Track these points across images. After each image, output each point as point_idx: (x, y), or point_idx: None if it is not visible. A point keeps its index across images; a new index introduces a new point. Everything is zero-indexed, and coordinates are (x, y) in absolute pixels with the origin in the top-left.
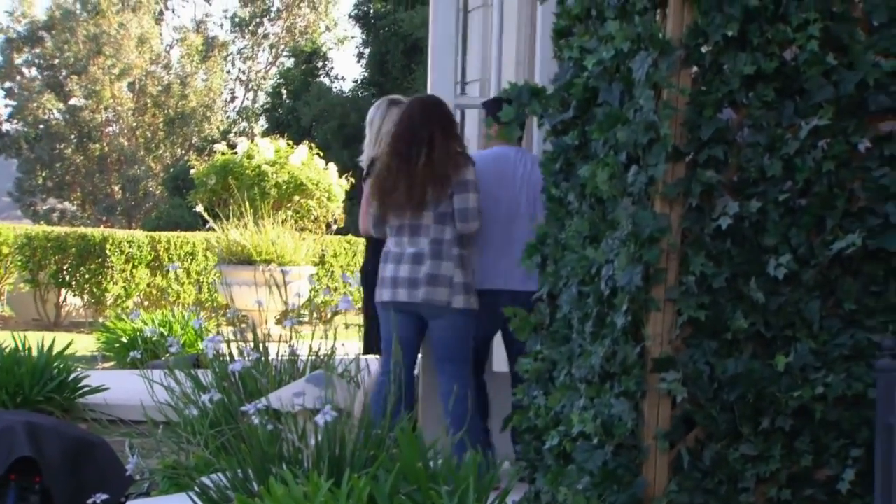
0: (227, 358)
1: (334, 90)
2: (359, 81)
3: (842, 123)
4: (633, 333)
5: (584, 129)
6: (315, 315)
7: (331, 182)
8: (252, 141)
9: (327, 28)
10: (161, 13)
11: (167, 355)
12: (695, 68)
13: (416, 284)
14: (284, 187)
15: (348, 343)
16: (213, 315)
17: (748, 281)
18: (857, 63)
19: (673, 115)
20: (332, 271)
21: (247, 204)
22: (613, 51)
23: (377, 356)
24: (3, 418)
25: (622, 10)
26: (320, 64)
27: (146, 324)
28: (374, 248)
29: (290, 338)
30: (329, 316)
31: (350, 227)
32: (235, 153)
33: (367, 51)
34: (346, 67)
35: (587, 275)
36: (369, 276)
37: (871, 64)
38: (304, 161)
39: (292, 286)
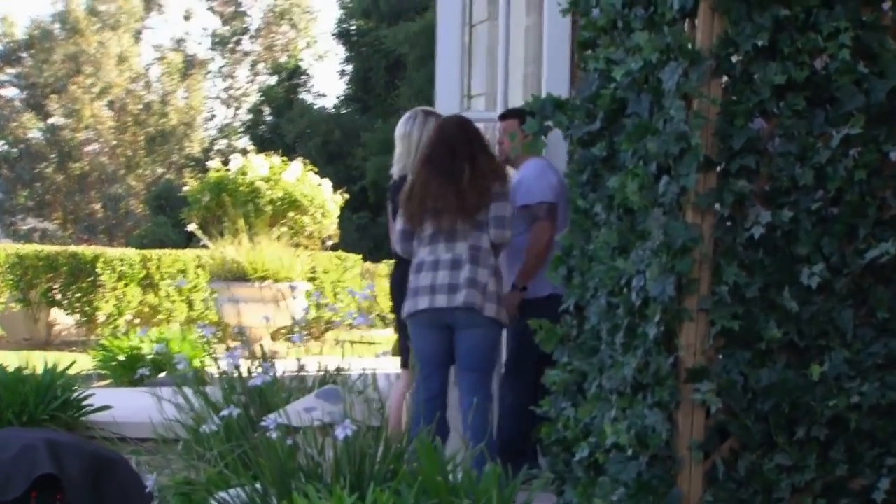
0: (235, 374)
1: (317, 107)
2: (342, 98)
3: (873, 132)
4: (665, 344)
5: (611, 140)
6: (309, 331)
7: (325, 198)
8: (246, 157)
9: (308, 45)
10: (140, 32)
11: (166, 373)
12: (725, 78)
13: (456, 289)
14: (279, 204)
15: (355, 358)
16: (214, 331)
17: (781, 290)
18: (888, 71)
19: (704, 125)
20: (323, 288)
21: (241, 220)
22: (642, 61)
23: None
24: (24, 436)
25: (650, 21)
26: (302, 81)
27: (142, 341)
28: (403, 261)
29: (286, 352)
30: (321, 332)
31: (342, 244)
32: (229, 170)
33: (349, 67)
34: (328, 84)
35: (616, 286)
36: (396, 290)
37: None
38: (299, 177)
39: (290, 302)
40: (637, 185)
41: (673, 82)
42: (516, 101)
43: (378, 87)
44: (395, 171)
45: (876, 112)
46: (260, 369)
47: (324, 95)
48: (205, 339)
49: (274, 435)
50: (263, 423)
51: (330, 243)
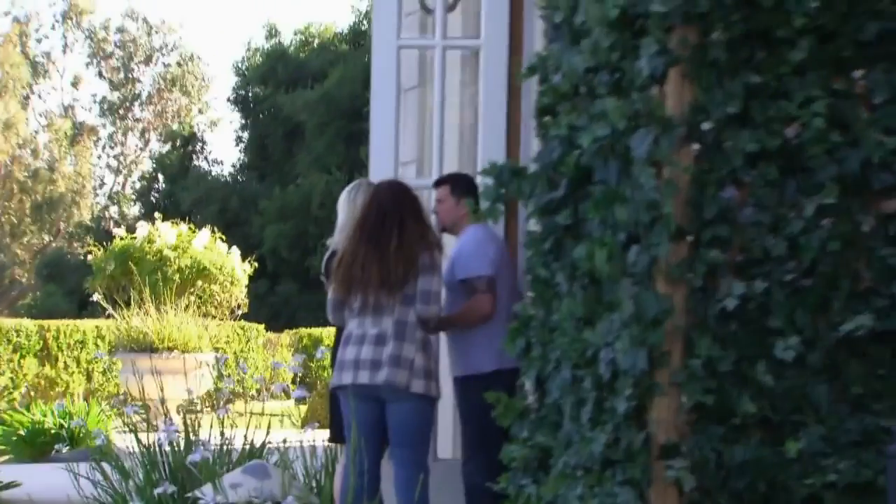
0: (146, 448)
1: (213, 174)
2: (238, 165)
3: (846, 202)
4: (636, 419)
5: (576, 208)
6: (211, 403)
7: (234, 266)
8: (153, 225)
9: (200, 111)
10: (27, 97)
11: (69, 447)
12: (696, 146)
13: (379, 365)
14: (187, 272)
15: (278, 430)
16: (136, 409)
17: (755, 364)
18: (861, 140)
19: (675, 193)
20: (226, 358)
21: (148, 290)
22: (609, 128)
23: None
24: None
25: (616, 87)
26: (197, 147)
27: (45, 415)
28: (339, 333)
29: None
30: (223, 403)
31: (251, 314)
32: (135, 238)
33: (245, 134)
34: (223, 151)
35: (581, 358)
36: (336, 360)
37: (874, 142)
38: (207, 245)
39: (197, 373)
40: (606, 255)
41: (643, 149)
42: (451, 168)
43: (276, 154)
44: (336, 241)
45: (849, 182)
46: (183, 444)
47: (220, 163)
48: (108, 414)
49: None
50: (201, 499)
51: (239, 312)
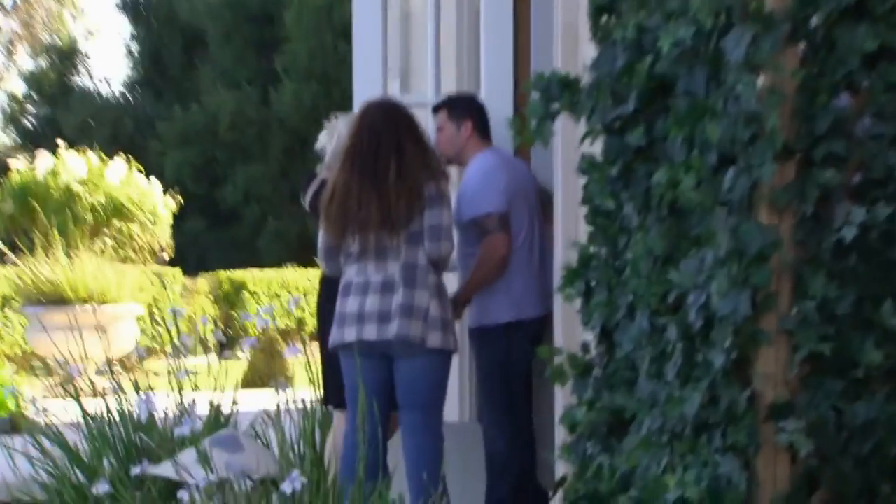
0: (92, 419)
1: (101, 94)
2: (129, 83)
3: None
4: (736, 374)
5: (651, 126)
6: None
7: (155, 202)
8: (56, 155)
9: (74, 18)
10: None
11: None
12: (803, 45)
13: (388, 318)
14: (101, 211)
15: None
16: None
17: (879, 305)
18: None
19: (780, 103)
20: (183, 312)
21: (55, 232)
22: (694, 27)
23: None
24: None
25: None
26: (78, 62)
27: None
28: (329, 281)
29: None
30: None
31: (177, 259)
32: (34, 170)
33: (136, 46)
34: (109, 66)
35: (662, 303)
36: (324, 314)
37: None
38: (124, 179)
39: (119, 328)
40: (693, 180)
41: (739, 52)
42: (448, 84)
43: (174, 68)
44: (324, 175)
45: None
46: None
47: (107, 81)
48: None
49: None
50: (153, 473)
51: (164, 256)
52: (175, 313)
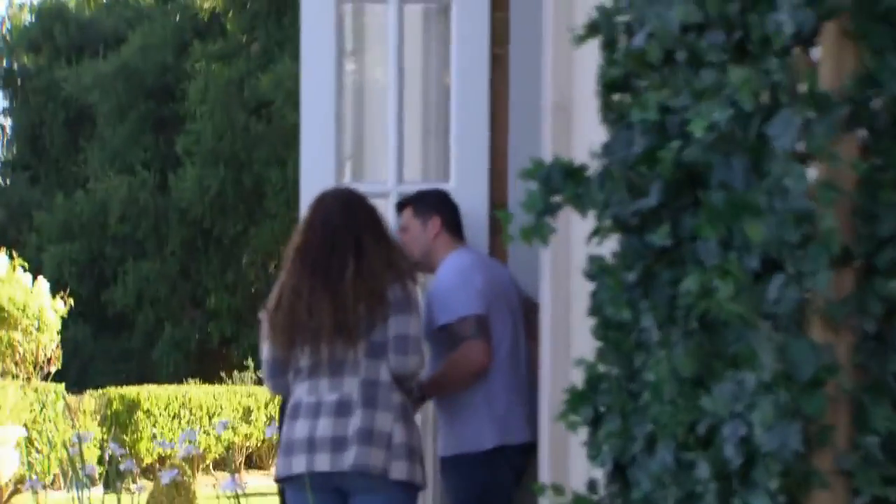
0: None
1: None
2: (1, 165)
3: None
4: None
5: (676, 224)
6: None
7: (43, 305)
8: None
9: None
10: None
11: None
12: (864, 132)
13: (343, 445)
14: None
15: None
16: None
17: None
18: None
19: (837, 200)
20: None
21: None
22: (732, 109)
23: None
24: None
25: (739, 51)
26: None
27: None
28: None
29: None
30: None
31: (69, 374)
32: None
33: (10, 122)
34: None
35: (691, 435)
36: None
37: None
38: (3, 276)
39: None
40: (731, 288)
41: (787, 139)
42: (412, 171)
43: (55, 148)
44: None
45: None
46: None
47: None
48: None
49: None
50: None
51: (51, 369)
52: (80, 439)
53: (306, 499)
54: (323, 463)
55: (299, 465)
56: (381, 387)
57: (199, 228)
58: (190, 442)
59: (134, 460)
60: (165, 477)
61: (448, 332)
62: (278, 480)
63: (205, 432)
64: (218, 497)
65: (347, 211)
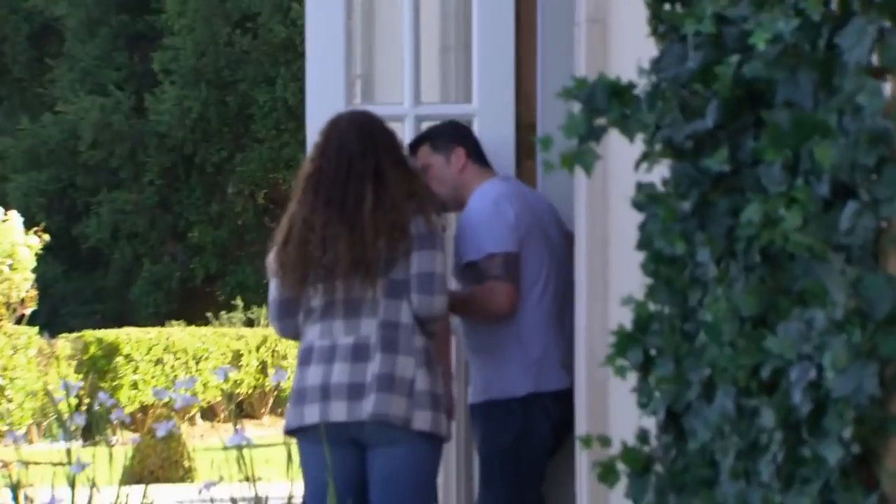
0: None
1: None
2: None
3: None
4: (859, 473)
5: (735, 147)
6: None
7: (15, 241)
8: None
9: None
10: None
11: None
12: None
13: (361, 392)
14: None
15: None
16: None
17: None
18: None
19: None
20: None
21: None
22: (799, 19)
23: None
24: None
25: None
26: None
27: None
28: None
29: None
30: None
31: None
32: None
33: None
34: None
35: (753, 379)
36: None
37: None
38: None
39: None
40: (798, 218)
41: (860, 51)
42: (430, 93)
43: (17, 67)
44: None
45: None
46: None
47: None
48: None
49: None
50: None
51: (25, 311)
52: (68, 388)
53: (320, 452)
54: (339, 412)
55: (312, 414)
56: (401, 329)
57: (180, 155)
58: (187, 391)
59: (123, 410)
60: (161, 429)
61: (474, 270)
62: (288, 432)
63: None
64: (204, 450)
65: (365, 136)
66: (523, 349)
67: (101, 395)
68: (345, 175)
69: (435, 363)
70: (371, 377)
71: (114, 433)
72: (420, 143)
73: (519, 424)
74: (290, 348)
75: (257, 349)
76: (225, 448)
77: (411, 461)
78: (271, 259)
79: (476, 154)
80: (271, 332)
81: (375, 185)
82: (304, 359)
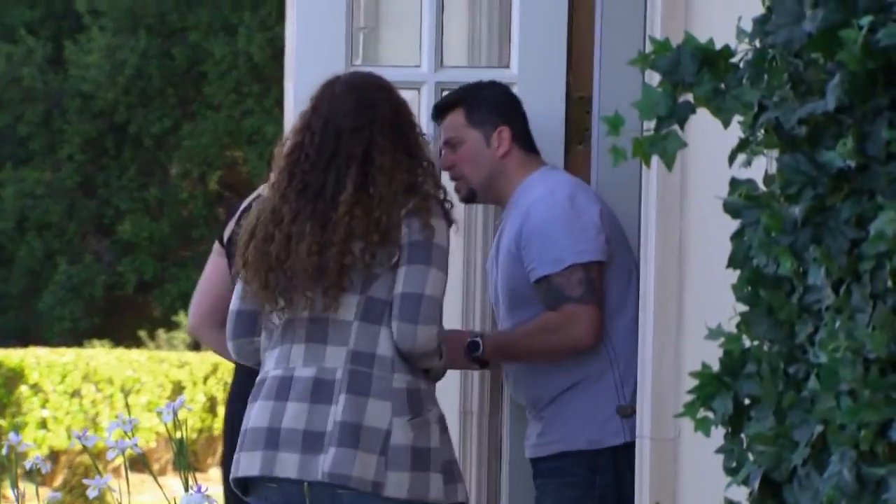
0: None
1: None
2: None
3: None
4: None
5: (864, 137)
6: None
7: None
8: None
9: None
10: None
11: None
12: None
13: (318, 444)
14: None
15: None
16: None
17: None
18: None
19: None
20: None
21: None
22: None
23: None
24: None
25: None
26: None
27: None
28: (246, 372)
29: None
30: None
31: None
32: None
33: None
34: None
35: (880, 443)
36: (235, 420)
37: None
38: None
39: None
40: None
41: None
42: (455, 56)
43: None
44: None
45: None
46: None
47: None
48: None
49: None
50: None
51: None
52: None
53: None
54: (288, 466)
55: (252, 465)
56: (377, 363)
57: (109, 122)
58: (125, 434)
59: (41, 458)
60: (93, 489)
61: (545, 289)
62: (234, 481)
63: (115, 416)
64: None
65: (362, 107)
66: (613, 382)
67: (13, 437)
68: (328, 156)
69: (424, 408)
70: (332, 425)
71: (15, 485)
72: (451, 108)
73: (609, 483)
74: None
75: (205, 381)
76: None
77: None
78: (236, 261)
79: (524, 135)
80: (222, 358)
81: (360, 171)
82: (255, 392)
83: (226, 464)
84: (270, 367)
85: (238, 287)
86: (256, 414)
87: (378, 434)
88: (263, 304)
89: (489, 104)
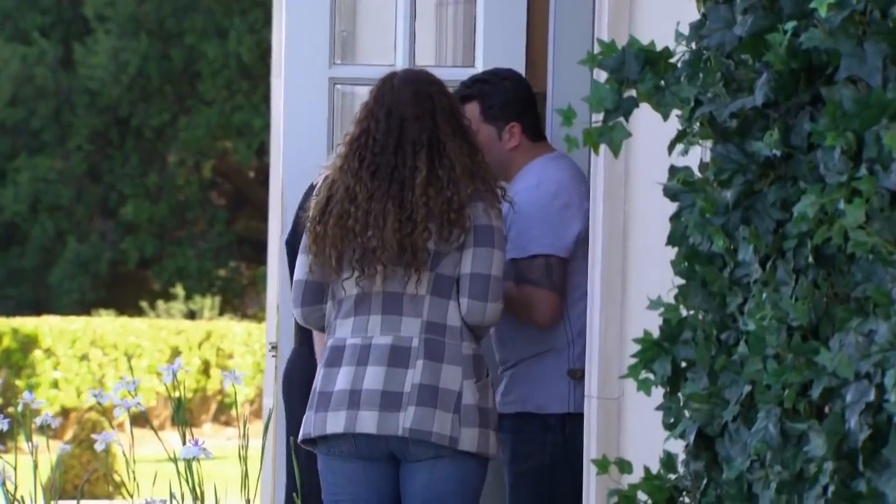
0: None
1: None
2: None
3: None
4: None
5: (788, 129)
6: None
7: None
8: None
9: None
10: None
11: None
12: None
13: (397, 403)
14: None
15: None
16: None
17: None
18: None
19: None
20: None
21: None
22: None
23: None
24: None
25: None
26: None
27: None
28: (306, 339)
29: None
30: None
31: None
32: None
33: None
34: None
35: (801, 401)
36: (294, 388)
37: None
38: None
39: None
40: (861, 212)
41: None
42: (424, 56)
43: None
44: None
45: None
46: None
47: None
48: None
49: None
50: None
51: None
52: None
53: (343, 469)
54: (369, 423)
55: (336, 423)
56: (448, 333)
57: (114, 116)
58: (129, 394)
59: (51, 415)
60: (101, 443)
61: (514, 268)
62: (305, 441)
63: (120, 377)
64: (136, 461)
65: (421, 97)
66: (568, 365)
67: (27, 395)
68: (395, 141)
69: (485, 373)
70: (411, 387)
71: (29, 438)
72: (467, 101)
73: (557, 443)
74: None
75: (199, 346)
76: (174, 459)
77: (456, 483)
78: (305, 235)
79: (533, 127)
80: (215, 326)
81: (430, 155)
82: (331, 357)
83: (290, 425)
84: (346, 334)
85: (304, 259)
86: (339, 376)
87: (451, 395)
88: (336, 274)
89: (503, 100)
